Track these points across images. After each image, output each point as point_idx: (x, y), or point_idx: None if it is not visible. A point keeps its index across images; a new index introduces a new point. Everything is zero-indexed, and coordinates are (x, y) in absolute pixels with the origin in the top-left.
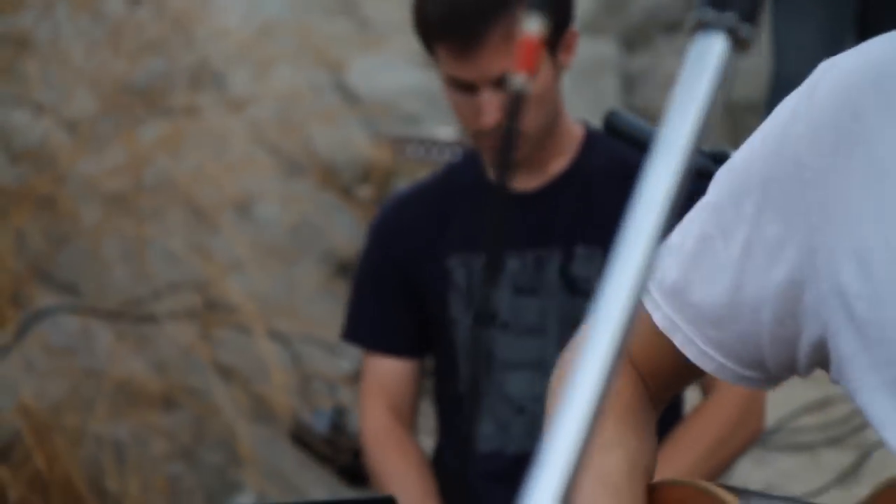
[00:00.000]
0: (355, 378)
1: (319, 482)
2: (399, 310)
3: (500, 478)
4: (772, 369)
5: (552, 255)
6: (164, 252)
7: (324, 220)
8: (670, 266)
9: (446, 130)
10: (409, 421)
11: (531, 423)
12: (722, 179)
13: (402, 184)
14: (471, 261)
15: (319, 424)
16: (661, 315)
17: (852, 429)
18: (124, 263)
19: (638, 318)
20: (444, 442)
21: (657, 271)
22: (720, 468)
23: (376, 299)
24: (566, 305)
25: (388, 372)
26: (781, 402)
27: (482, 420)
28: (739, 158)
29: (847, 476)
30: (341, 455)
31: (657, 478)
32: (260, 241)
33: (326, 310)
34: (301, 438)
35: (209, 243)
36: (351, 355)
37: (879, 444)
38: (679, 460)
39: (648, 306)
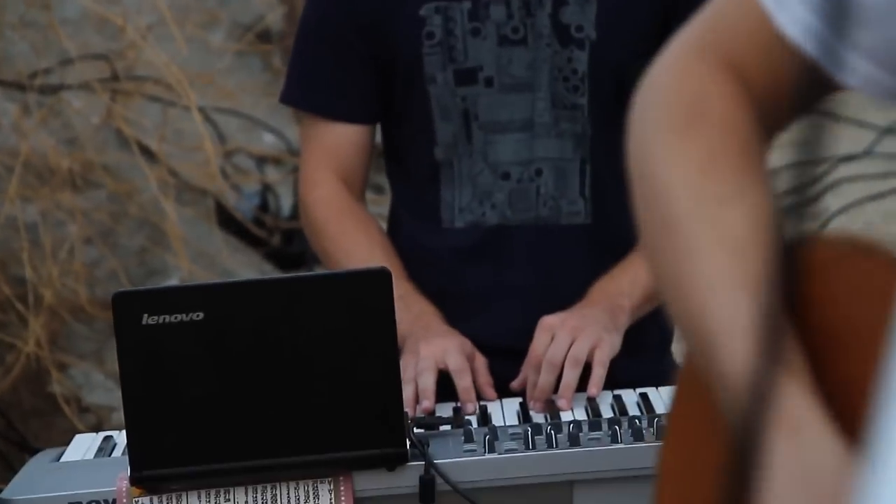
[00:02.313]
0: (287, 153)
1: (250, 265)
2: (352, 68)
3: (476, 253)
4: None
5: None
6: (70, 16)
7: None
8: None
9: None
10: (360, 195)
11: (516, 190)
12: None
13: None
14: (448, 8)
15: (246, 204)
16: (790, 17)
17: (807, 199)
18: (26, 29)
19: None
20: (405, 217)
21: None
22: None
23: (327, 56)
24: (558, 57)
25: (338, 139)
26: None
27: (460, 190)
28: None
29: None
30: (272, 237)
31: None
32: (170, 6)
33: (245, 81)
34: (227, 219)
35: (116, 7)
36: (276, 129)
37: (837, 213)
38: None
39: (770, 5)
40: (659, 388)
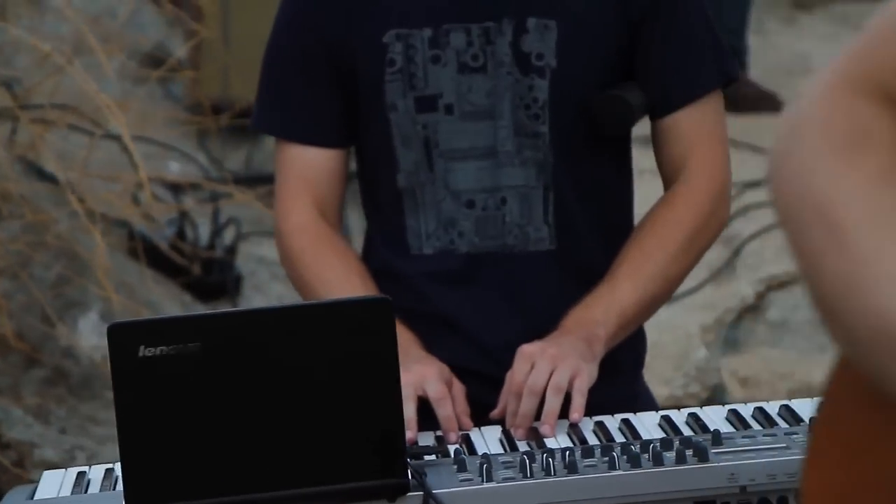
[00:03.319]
0: (205, 180)
1: (170, 296)
2: (322, 92)
3: (448, 279)
4: None
5: (502, 27)
6: None
7: (126, 10)
8: None
9: None
10: (336, 221)
11: (482, 218)
12: None
13: None
14: (409, 36)
15: (162, 234)
16: None
17: None
18: None
19: None
20: (377, 242)
21: None
22: (693, 264)
23: (297, 81)
24: (519, 85)
25: (313, 165)
26: (644, 199)
27: (424, 217)
28: None
29: (721, 272)
30: (192, 266)
31: (627, 280)
32: (61, 33)
33: (147, 110)
34: (143, 249)
35: (7, 36)
36: (191, 156)
37: (749, 239)
38: (650, 261)
39: None
40: (637, 413)
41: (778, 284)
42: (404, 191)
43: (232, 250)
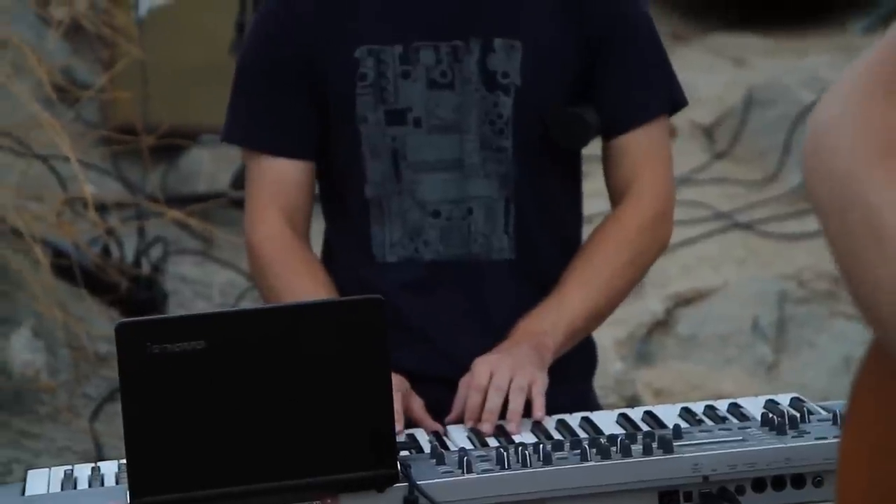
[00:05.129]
0: (131, 198)
1: (102, 314)
2: (293, 104)
3: (412, 287)
4: None
5: (470, 46)
6: None
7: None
8: None
9: None
10: (304, 231)
11: (447, 227)
12: None
13: None
14: (381, 52)
15: (87, 252)
16: None
17: None
18: None
19: None
20: (340, 249)
21: None
22: (638, 278)
23: (268, 94)
24: (485, 101)
25: (283, 176)
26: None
27: (390, 226)
28: None
29: None
30: (119, 284)
31: (575, 292)
32: None
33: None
34: (66, 268)
35: None
36: (107, 180)
37: None
38: (598, 274)
39: None
40: (593, 412)
41: (684, 301)
42: (371, 201)
43: (159, 268)
